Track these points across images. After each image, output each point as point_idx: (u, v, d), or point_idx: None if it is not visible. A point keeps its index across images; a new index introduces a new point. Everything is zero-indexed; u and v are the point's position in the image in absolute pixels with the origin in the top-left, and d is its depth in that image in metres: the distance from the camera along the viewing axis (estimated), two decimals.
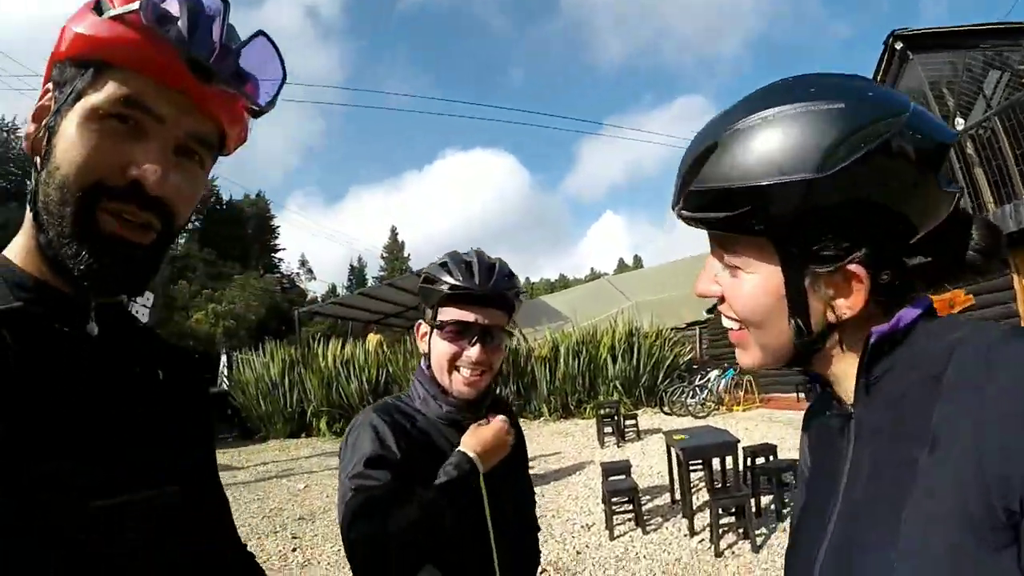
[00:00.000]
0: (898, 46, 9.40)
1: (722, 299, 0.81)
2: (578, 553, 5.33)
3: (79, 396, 0.73)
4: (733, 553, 4.98)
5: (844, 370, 0.78)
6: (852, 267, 0.69)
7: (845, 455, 0.78)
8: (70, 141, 0.72)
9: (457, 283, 1.45)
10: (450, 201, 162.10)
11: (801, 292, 0.72)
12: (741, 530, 5.27)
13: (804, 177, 0.65)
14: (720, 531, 5.12)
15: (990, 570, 0.58)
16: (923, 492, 0.64)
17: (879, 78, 9.80)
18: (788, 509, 5.74)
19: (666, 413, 13.62)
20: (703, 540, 5.32)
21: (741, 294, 0.77)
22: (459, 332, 1.47)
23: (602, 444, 10.67)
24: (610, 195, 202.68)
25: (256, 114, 0.86)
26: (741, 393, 13.99)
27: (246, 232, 51.15)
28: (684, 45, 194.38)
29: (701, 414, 12.91)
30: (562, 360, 15.06)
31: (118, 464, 0.75)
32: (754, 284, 0.75)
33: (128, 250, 0.74)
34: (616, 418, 10.84)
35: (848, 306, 0.72)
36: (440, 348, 1.48)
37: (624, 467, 6.59)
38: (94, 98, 0.72)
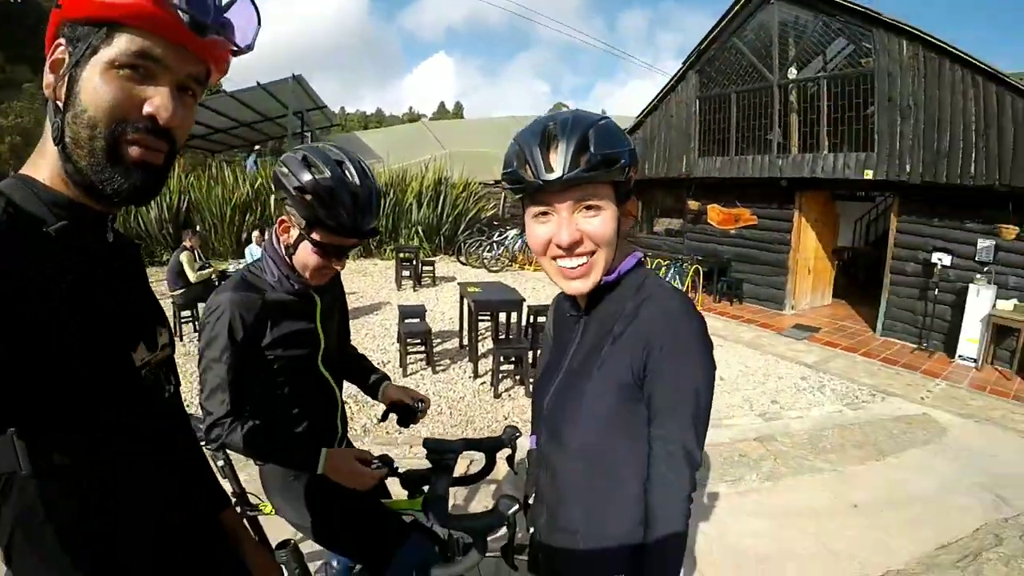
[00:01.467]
0: None
1: (578, 243, 1.14)
2: None
3: (110, 288, 0.97)
4: (509, 396, 5.93)
5: None
6: (631, 200, 1.21)
7: (575, 338, 1.31)
8: (94, 88, 0.85)
9: (343, 223, 1.61)
10: (271, 10, 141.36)
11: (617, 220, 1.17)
12: (518, 377, 6.21)
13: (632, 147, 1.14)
14: (500, 376, 6.02)
15: (633, 407, 1.16)
16: (606, 361, 1.19)
17: (739, 7, 10.76)
18: None
19: (462, 263, 14.37)
20: (484, 383, 6.20)
21: (604, 226, 1.14)
22: (330, 252, 1.70)
23: (399, 286, 11.16)
24: (448, 36, 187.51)
25: (237, 53, 1.01)
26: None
27: (42, 31, 41.15)
28: None
29: (495, 268, 13.78)
30: None
31: (143, 333, 1.04)
32: (609, 216, 1.14)
33: (148, 169, 0.91)
34: (415, 263, 11.32)
35: (629, 225, 1.21)
36: (309, 259, 1.71)
37: (419, 311, 7.10)
38: (109, 52, 0.85)
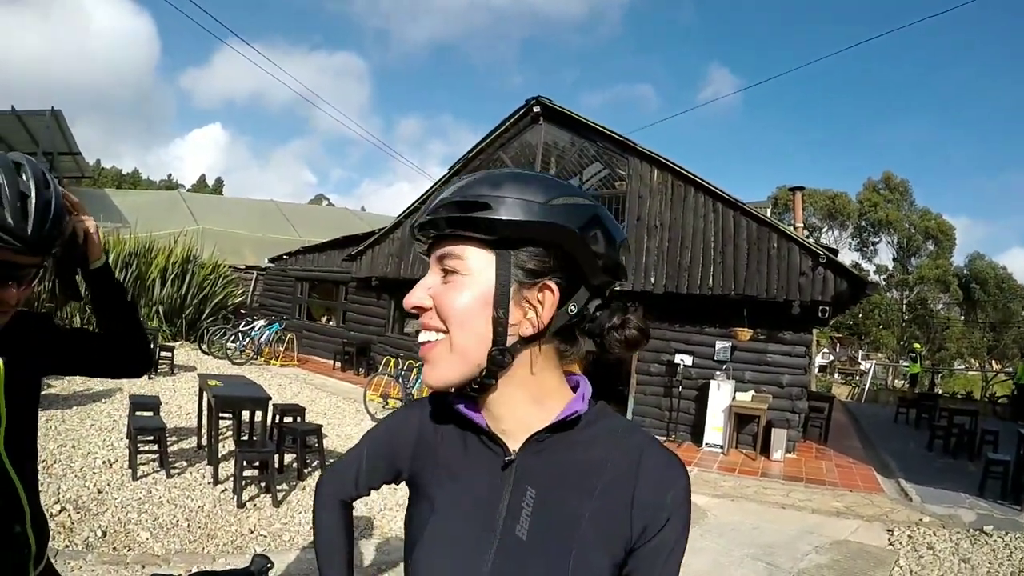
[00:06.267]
0: (536, 109, 11.18)
1: (422, 308, 0.83)
2: (99, 492, 4.98)
3: None
4: (255, 506, 5.18)
5: (510, 414, 0.86)
6: (550, 282, 0.81)
7: (502, 493, 0.86)
8: None
9: (5, 226, 1.20)
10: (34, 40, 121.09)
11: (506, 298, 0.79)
12: (263, 484, 5.45)
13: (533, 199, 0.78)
14: (244, 483, 5.23)
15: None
16: (587, 531, 0.81)
17: (510, 123, 11.59)
18: (309, 469, 6.25)
19: (204, 352, 13.28)
20: (226, 490, 5.38)
21: (453, 295, 0.81)
22: None
23: None
24: (226, 108, 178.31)
25: None
26: (282, 349, 14.30)
27: None
28: None
29: (239, 360, 12.85)
30: None
31: None
32: (466, 285, 0.80)
33: None
34: (153, 347, 10.10)
35: (540, 320, 0.81)
36: None
37: (154, 403, 6.34)
38: None
